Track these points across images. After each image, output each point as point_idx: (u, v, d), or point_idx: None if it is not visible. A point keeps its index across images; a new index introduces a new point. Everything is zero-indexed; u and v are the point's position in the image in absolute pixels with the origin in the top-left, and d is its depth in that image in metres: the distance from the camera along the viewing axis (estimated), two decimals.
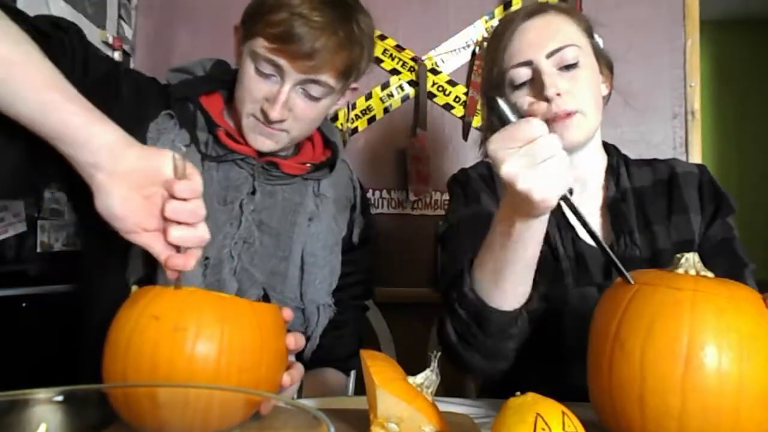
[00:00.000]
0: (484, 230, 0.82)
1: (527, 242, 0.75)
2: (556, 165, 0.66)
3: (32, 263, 1.51)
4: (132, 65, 2.09)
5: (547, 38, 0.95)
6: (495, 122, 0.70)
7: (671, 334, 0.57)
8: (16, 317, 1.39)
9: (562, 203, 0.70)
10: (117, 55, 1.95)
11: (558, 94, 0.93)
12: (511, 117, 0.69)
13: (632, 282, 0.65)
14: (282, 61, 0.92)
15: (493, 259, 0.79)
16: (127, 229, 0.67)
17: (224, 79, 1.04)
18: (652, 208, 1.02)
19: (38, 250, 1.54)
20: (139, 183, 0.66)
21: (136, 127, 0.92)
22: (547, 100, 0.93)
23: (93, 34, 1.82)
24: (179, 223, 0.66)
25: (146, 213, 0.67)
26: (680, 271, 0.65)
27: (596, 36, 1.03)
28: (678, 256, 0.66)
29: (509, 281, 0.79)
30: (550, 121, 0.94)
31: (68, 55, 0.82)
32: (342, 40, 0.92)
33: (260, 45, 0.92)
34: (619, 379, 0.59)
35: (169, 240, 0.66)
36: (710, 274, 0.64)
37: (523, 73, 0.96)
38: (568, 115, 0.93)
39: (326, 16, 0.90)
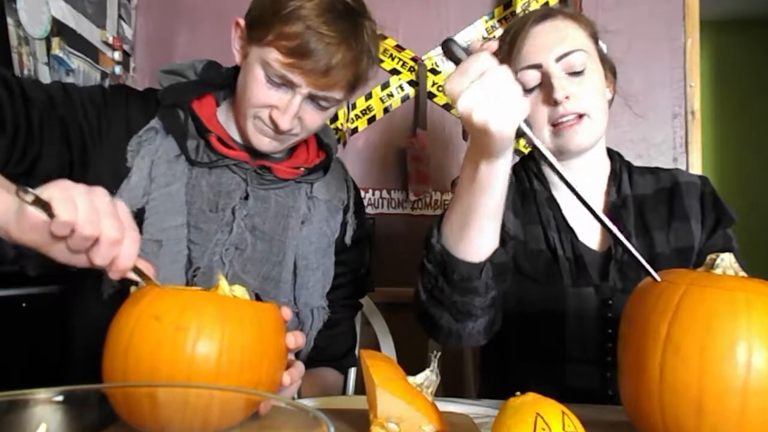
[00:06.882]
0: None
1: (492, 185, 0.76)
2: (508, 93, 0.66)
3: (32, 263, 1.51)
4: (132, 65, 2.09)
5: (555, 42, 0.97)
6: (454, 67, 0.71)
7: (730, 336, 0.55)
8: (16, 317, 1.38)
9: (542, 153, 0.72)
10: (117, 55, 1.95)
11: (567, 97, 0.94)
12: (464, 57, 0.70)
13: (658, 279, 0.64)
14: (296, 78, 0.90)
15: (460, 209, 0.80)
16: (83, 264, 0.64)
17: (216, 82, 1.03)
18: (652, 215, 1.02)
19: None
20: (43, 242, 0.61)
21: (102, 142, 0.92)
22: (556, 103, 0.95)
23: (93, 34, 1.82)
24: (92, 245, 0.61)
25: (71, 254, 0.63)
26: (718, 271, 0.63)
27: (600, 42, 1.04)
28: (713, 256, 0.64)
29: (474, 230, 0.79)
30: (558, 126, 0.95)
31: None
32: (355, 54, 0.92)
33: (273, 57, 0.90)
34: (673, 383, 0.57)
35: (97, 264, 0.62)
36: (745, 274, 0.63)
37: (533, 76, 0.97)
38: (578, 118, 0.95)
39: (339, 29, 0.89)
